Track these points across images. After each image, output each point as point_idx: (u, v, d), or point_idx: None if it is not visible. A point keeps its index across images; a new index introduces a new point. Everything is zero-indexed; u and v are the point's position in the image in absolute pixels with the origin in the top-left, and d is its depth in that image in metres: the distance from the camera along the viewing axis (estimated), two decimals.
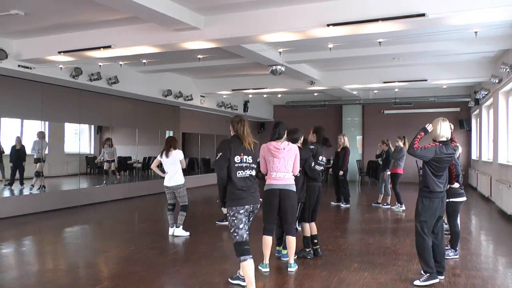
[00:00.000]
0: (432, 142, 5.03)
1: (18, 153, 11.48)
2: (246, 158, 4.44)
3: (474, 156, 16.99)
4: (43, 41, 8.38)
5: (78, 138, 14.93)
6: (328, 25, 6.33)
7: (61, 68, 9.38)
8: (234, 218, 4.37)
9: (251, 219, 4.59)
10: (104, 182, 14.87)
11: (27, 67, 8.93)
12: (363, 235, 7.71)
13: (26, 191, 11.33)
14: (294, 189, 5.37)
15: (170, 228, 7.65)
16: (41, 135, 11.26)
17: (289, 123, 16.27)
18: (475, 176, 15.21)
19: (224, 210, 4.51)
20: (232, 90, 14.22)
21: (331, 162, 12.70)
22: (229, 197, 4.41)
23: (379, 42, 7.45)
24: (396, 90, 16.01)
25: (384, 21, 6.09)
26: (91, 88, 11.00)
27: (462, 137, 17.38)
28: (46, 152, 11.71)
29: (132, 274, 5.28)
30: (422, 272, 5.03)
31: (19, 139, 11.91)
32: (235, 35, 6.97)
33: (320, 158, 6.41)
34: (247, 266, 4.30)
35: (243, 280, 4.58)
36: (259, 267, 5.31)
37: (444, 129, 5.01)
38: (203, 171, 18.78)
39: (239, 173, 4.40)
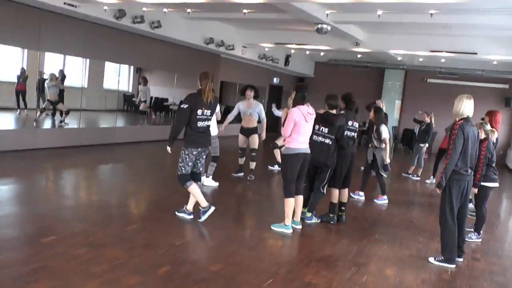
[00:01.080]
0: (456, 122, 4.85)
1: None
2: (205, 112, 5.30)
3: None
4: None
5: (118, 75, 15.23)
6: None
7: (105, 9, 9.44)
8: (187, 156, 5.36)
9: (204, 156, 5.56)
10: (142, 122, 15.27)
11: (72, 5, 9.02)
12: (388, 205, 7.75)
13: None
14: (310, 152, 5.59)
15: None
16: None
17: (329, 82, 16.38)
18: None
19: (169, 149, 5.40)
20: (275, 43, 14.05)
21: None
22: (188, 140, 5.35)
23: (431, 14, 7.16)
24: (443, 60, 15.45)
25: None
26: (133, 30, 11.05)
27: (507, 116, 16.79)
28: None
29: (160, 220, 5.52)
30: (441, 252, 5.05)
31: (62, 73, 12.32)
32: None
33: (350, 123, 6.36)
34: (194, 188, 5.39)
35: (188, 215, 5.57)
36: (283, 230, 5.46)
37: (467, 107, 4.83)
38: (238, 120, 18.96)
39: (199, 123, 5.27)
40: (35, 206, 5.75)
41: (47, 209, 5.64)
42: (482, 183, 5.78)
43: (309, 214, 6.04)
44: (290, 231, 5.50)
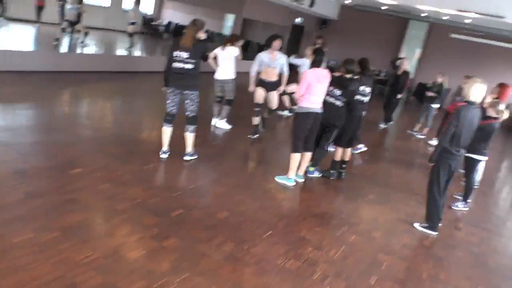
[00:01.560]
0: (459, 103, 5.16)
1: None
2: (181, 54, 5.61)
3: None
4: None
5: None
6: None
7: None
8: (167, 94, 5.87)
9: (186, 102, 5.84)
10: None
11: None
12: (388, 164, 8.21)
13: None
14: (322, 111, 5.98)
15: (213, 118, 8.31)
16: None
17: (352, 27, 16.53)
18: None
19: (163, 89, 5.94)
20: None
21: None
22: (166, 79, 5.83)
23: None
24: (468, 21, 15.22)
25: None
26: None
27: None
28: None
29: (175, 162, 6.01)
30: (425, 218, 5.54)
31: None
32: None
33: (362, 88, 6.66)
34: (164, 131, 6.00)
35: (165, 153, 6.07)
36: (286, 182, 5.98)
37: (476, 92, 5.02)
38: None
39: (174, 64, 5.66)
40: (58, 134, 6.25)
41: (70, 139, 6.13)
42: (471, 155, 6.19)
43: (311, 169, 6.54)
44: (293, 183, 6.02)
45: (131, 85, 10.84)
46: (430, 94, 10.82)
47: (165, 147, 6.07)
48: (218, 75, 7.94)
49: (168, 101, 5.88)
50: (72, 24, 12.28)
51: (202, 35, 5.73)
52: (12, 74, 9.01)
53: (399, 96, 11.21)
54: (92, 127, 6.93)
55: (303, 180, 6.23)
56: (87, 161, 5.44)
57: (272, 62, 7.60)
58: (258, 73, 7.76)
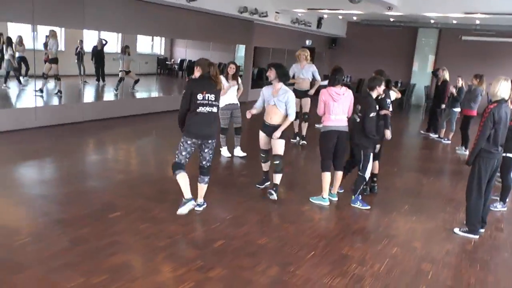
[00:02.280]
0: (489, 105, 5.17)
1: (99, 53, 12.98)
2: (208, 96, 5.05)
3: None
4: None
5: (151, 39, 15.66)
6: None
7: None
8: (181, 144, 5.18)
9: (206, 151, 5.25)
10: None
11: None
12: (418, 173, 8.16)
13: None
14: (347, 130, 6.02)
15: (222, 148, 8.20)
16: (52, 33, 11.06)
17: (361, 42, 16.54)
18: None
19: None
20: (308, 9, 14.17)
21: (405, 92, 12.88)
22: (185, 128, 5.14)
23: None
24: (478, 22, 15.24)
25: None
26: (169, 4, 11.38)
27: None
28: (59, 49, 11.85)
29: (208, 195, 6.04)
30: (465, 222, 5.49)
31: (101, 41, 12.97)
32: None
33: (388, 101, 6.67)
34: (181, 177, 5.18)
35: (189, 201, 5.28)
36: (321, 202, 6.02)
37: (504, 90, 5.08)
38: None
39: (199, 108, 5.04)
40: (90, 182, 6.48)
41: (102, 184, 6.31)
42: (506, 154, 6.12)
43: (353, 197, 6.13)
44: (327, 203, 6.04)
45: (151, 126, 11.07)
46: (453, 92, 10.75)
47: (187, 194, 5.31)
48: (227, 100, 7.84)
49: (183, 153, 5.18)
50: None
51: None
52: (34, 130, 9.34)
53: (443, 106, 11.31)
54: (122, 171, 7.09)
55: (336, 199, 6.24)
56: (123, 204, 5.56)
57: (271, 98, 5.99)
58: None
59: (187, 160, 5.27)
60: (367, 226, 5.50)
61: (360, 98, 6.20)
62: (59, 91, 11.28)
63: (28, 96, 11.23)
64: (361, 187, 6.11)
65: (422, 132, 12.34)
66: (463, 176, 7.99)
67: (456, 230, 5.45)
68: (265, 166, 6.52)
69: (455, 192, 7.19)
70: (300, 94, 8.45)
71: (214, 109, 5.14)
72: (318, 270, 4.19)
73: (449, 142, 11.14)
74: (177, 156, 5.22)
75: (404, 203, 6.41)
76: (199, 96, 5.01)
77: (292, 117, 5.97)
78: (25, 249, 4.22)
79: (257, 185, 6.59)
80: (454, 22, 16.21)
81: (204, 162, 5.32)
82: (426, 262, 4.57)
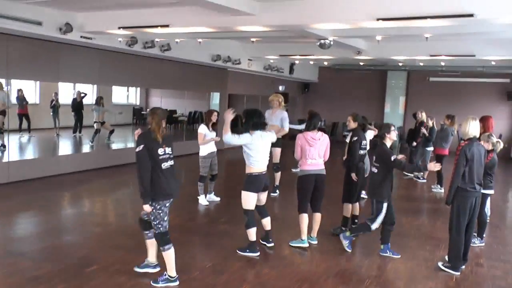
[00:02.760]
0: (461, 143, 5.36)
1: (78, 105, 13.12)
2: (166, 149, 4.58)
3: None
4: (105, 16, 8.92)
5: (127, 90, 15.77)
6: (378, 19, 6.60)
7: (120, 40, 9.99)
8: (160, 212, 4.55)
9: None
10: None
11: (88, 38, 9.59)
12: (397, 213, 8.15)
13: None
14: (325, 173, 6.09)
15: (200, 196, 8.14)
16: None
17: (333, 86, 16.81)
18: None
19: (148, 208, 4.54)
20: (279, 55, 14.53)
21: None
22: (156, 191, 4.51)
23: (426, 38, 7.63)
24: (443, 63, 15.89)
25: (433, 19, 6.32)
26: (144, 54, 11.58)
27: (509, 109, 17.24)
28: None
29: (187, 244, 6.01)
30: (446, 258, 5.52)
31: (79, 94, 13.00)
32: (288, 23, 7.35)
33: (364, 143, 6.82)
34: (170, 254, 4.63)
35: (153, 267, 4.97)
36: (300, 244, 5.98)
37: (473, 128, 5.32)
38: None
39: (163, 164, 4.54)
40: (66, 236, 6.38)
41: (79, 238, 6.18)
42: (481, 190, 6.24)
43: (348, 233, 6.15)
44: (306, 245, 6.02)
45: (128, 177, 10.94)
46: (424, 132, 11.03)
47: (173, 273, 4.75)
48: (210, 149, 7.92)
49: (165, 218, 4.64)
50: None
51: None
52: (12, 185, 9.15)
53: (414, 143, 11.80)
54: (99, 224, 6.96)
55: (316, 242, 6.19)
56: (101, 257, 5.42)
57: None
58: None
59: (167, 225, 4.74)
60: (349, 268, 5.46)
61: (373, 151, 6.24)
62: (2, 145, 10.47)
63: None
64: (357, 233, 6.14)
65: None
66: (441, 213, 8.13)
67: (440, 264, 5.49)
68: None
69: (434, 229, 7.25)
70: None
71: (172, 163, 4.71)
72: None
73: (424, 181, 11.31)
74: (160, 226, 4.59)
75: None
76: (160, 151, 4.55)
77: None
78: None
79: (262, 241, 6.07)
80: (421, 64, 16.83)
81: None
82: None
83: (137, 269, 5.01)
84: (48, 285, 4.59)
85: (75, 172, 10.56)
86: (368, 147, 7.12)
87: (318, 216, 6.19)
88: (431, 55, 12.89)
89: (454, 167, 5.23)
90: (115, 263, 5.25)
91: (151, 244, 4.91)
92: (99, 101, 12.80)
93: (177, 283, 4.69)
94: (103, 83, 11.79)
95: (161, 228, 4.59)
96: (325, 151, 6.08)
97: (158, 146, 4.50)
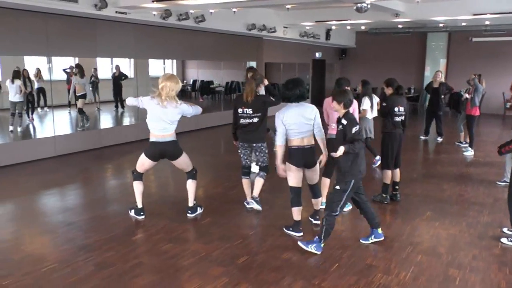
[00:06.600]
0: None
1: (117, 79, 13.23)
2: (246, 110, 5.82)
3: None
4: None
5: (163, 62, 15.90)
6: None
7: (154, 14, 10.04)
8: (239, 150, 6.16)
9: (257, 153, 6.08)
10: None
11: (123, 13, 9.67)
12: (438, 179, 8.05)
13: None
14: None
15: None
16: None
17: (371, 51, 16.47)
18: None
19: (235, 143, 6.27)
20: (315, 21, 14.27)
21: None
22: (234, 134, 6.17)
23: None
24: (487, 22, 15.18)
25: None
26: (178, 26, 11.60)
27: None
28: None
29: (229, 213, 6.12)
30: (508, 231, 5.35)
31: (118, 67, 13.19)
32: None
33: (397, 109, 6.58)
34: (244, 183, 6.20)
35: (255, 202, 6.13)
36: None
37: None
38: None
39: (241, 120, 5.89)
40: (112, 206, 6.62)
41: (124, 208, 6.30)
42: None
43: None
44: (349, 207, 5.98)
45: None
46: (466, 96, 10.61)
47: (248, 198, 6.23)
48: None
49: (241, 155, 6.16)
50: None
51: (260, 89, 6.03)
52: (56, 159, 9.51)
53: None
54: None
55: (350, 207, 6.04)
56: (146, 226, 5.62)
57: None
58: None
59: (247, 162, 6.20)
60: (390, 235, 5.43)
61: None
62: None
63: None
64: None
65: (421, 137, 12.10)
66: (482, 179, 7.95)
67: (504, 240, 5.20)
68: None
69: (476, 195, 7.09)
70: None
71: (253, 120, 5.85)
72: (343, 282, 4.17)
73: (466, 144, 10.93)
74: (241, 159, 6.25)
75: (426, 210, 6.34)
76: (239, 110, 5.89)
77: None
78: (52, 276, 4.28)
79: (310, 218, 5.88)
80: (463, 24, 16.15)
81: (259, 163, 6.20)
82: (452, 268, 4.50)
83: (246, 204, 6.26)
84: (98, 252, 4.80)
85: (118, 144, 10.88)
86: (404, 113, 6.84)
87: (325, 180, 6.09)
88: (474, 14, 12.34)
89: None
90: (160, 231, 5.42)
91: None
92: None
93: (251, 205, 6.19)
94: (140, 56, 11.91)
95: (242, 162, 6.23)
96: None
97: (239, 106, 5.90)
